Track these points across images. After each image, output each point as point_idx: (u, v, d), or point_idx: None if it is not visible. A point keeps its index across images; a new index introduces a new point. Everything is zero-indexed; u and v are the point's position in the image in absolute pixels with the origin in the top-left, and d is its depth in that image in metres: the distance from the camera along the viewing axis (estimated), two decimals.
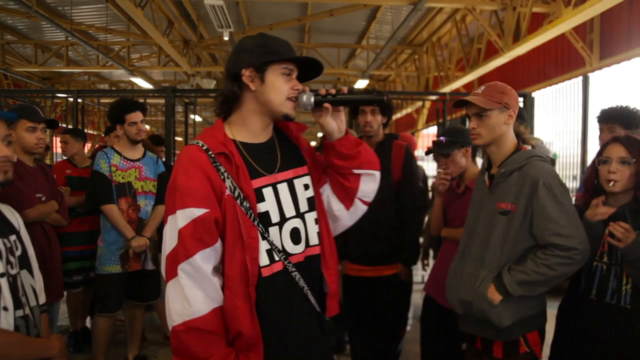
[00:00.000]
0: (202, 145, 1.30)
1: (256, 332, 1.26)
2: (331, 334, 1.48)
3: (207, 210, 1.25)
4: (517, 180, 1.72)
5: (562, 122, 6.49)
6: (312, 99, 1.35)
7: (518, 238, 1.71)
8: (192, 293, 1.22)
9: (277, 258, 1.31)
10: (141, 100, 4.22)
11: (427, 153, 2.63)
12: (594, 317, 1.77)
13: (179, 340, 1.23)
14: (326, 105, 1.37)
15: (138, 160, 3.08)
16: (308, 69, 1.41)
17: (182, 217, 1.24)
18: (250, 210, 1.28)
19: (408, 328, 3.99)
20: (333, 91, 1.37)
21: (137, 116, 3.01)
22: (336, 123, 1.40)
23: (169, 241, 1.26)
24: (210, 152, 1.29)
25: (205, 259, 1.24)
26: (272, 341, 1.28)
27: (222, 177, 1.28)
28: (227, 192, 1.27)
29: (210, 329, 1.23)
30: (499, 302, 1.70)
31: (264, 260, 1.29)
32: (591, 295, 1.78)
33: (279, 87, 1.32)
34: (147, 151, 3.20)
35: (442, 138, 2.49)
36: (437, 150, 2.47)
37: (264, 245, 1.30)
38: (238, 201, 1.27)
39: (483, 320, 1.77)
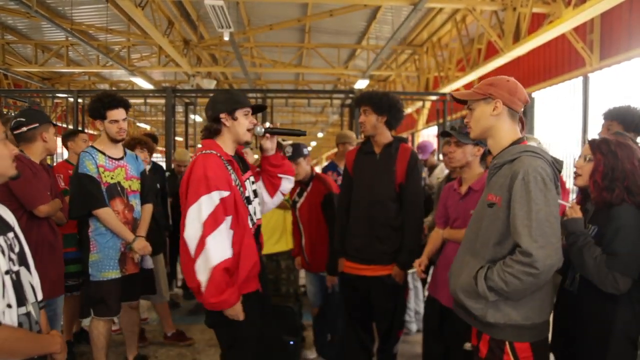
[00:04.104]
0: (217, 154, 2.03)
1: (259, 259, 2.13)
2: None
3: (229, 192, 1.98)
4: (505, 173, 1.68)
5: (563, 123, 6.50)
6: (262, 130, 2.19)
7: (504, 233, 1.65)
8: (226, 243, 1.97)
9: (251, 224, 2.12)
10: (141, 101, 4.18)
11: (442, 135, 2.56)
12: (562, 303, 1.98)
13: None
14: (267, 135, 2.24)
15: (121, 158, 2.93)
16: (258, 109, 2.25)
17: (216, 196, 1.94)
18: (243, 194, 2.09)
19: (415, 329, 3.99)
20: (270, 125, 2.27)
21: (119, 114, 2.81)
22: (272, 144, 2.27)
23: (204, 211, 1.92)
24: (222, 158, 2.05)
25: (227, 223, 1.98)
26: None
27: (230, 172, 2.04)
28: (233, 183, 2.03)
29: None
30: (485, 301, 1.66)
31: (249, 223, 2.10)
32: (565, 284, 1.99)
33: (242, 123, 2.10)
34: (125, 149, 3.04)
35: (466, 128, 2.44)
36: (455, 135, 2.41)
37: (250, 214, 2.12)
38: (238, 188, 2.05)
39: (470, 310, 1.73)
